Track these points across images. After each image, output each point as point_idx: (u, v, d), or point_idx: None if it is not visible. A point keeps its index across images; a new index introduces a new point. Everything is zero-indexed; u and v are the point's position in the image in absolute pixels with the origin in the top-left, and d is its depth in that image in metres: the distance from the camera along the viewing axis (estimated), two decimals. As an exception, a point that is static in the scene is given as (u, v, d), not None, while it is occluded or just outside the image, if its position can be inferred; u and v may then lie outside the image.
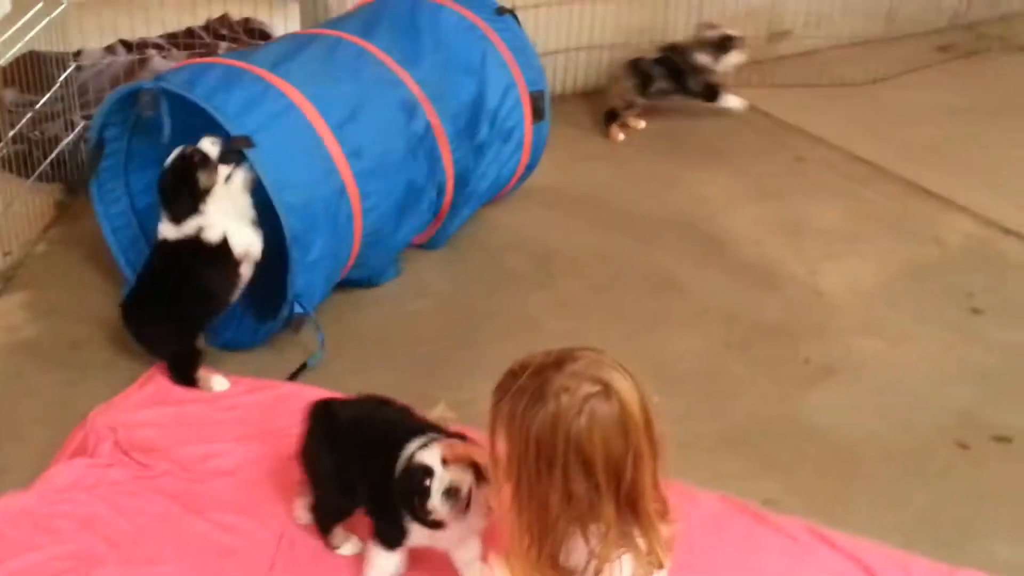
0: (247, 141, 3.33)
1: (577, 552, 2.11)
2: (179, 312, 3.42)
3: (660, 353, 3.68)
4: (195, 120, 3.44)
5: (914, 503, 3.07)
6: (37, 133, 4.47)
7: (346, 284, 3.91)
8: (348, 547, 2.79)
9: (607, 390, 2.04)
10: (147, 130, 3.71)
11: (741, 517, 2.95)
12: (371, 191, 3.64)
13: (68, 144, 4.45)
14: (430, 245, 4.22)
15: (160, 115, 3.50)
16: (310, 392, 3.39)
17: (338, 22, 4.30)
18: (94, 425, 3.18)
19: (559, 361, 2.08)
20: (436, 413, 3.22)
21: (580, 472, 2.01)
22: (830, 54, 6.29)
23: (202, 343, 3.46)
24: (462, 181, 4.10)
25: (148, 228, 3.82)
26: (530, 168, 4.51)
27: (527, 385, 2.05)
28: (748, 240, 4.42)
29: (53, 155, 4.36)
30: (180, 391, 3.39)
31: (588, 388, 2.03)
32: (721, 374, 3.61)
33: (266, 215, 3.46)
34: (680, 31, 5.73)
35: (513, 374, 2.12)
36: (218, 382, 3.42)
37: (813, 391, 3.53)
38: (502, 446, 2.09)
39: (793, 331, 3.84)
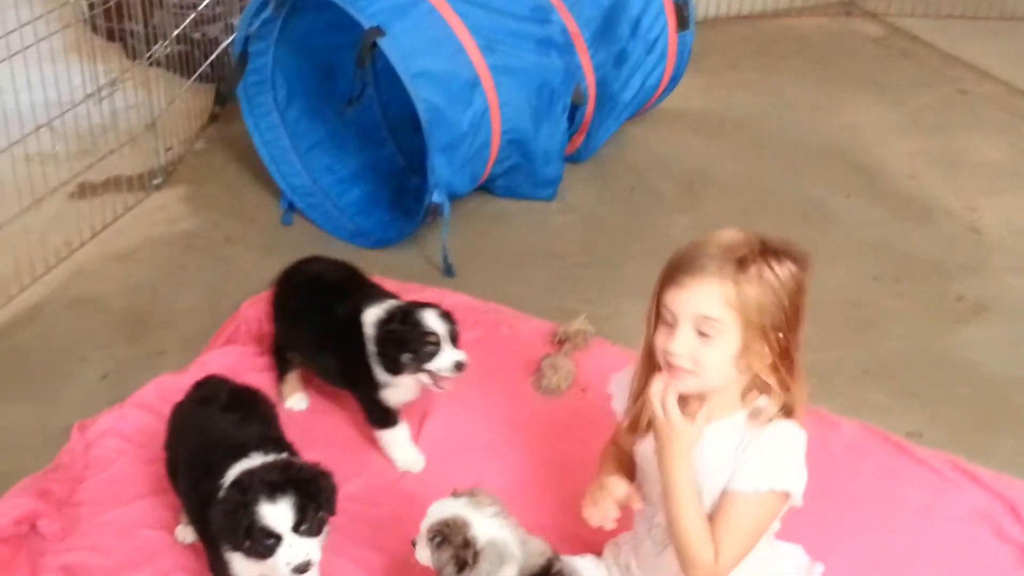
0: (377, 31, 3.35)
1: None
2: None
3: (806, 281, 3.61)
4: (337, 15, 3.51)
5: (1067, 447, 2.97)
6: (198, 34, 4.58)
7: (496, 193, 4.01)
8: None
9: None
10: (292, 41, 3.80)
11: (883, 447, 2.90)
12: (503, 85, 3.64)
13: (226, 46, 4.55)
14: (575, 157, 4.20)
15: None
16: (450, 296, 3.45)
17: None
18: (246, 316, 3.29)
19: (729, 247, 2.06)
20: (576, 326, 3.25)
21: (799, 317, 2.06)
22: (1001, -15, 6.00)
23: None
24: (603, 88, 4.06)
25: (296, 139, 3.96)
26: (675, 79, 4.43)
27: (760, 251, 2.03)
28: (903, 173, 4.28)
29: (213, 56, 4.48)
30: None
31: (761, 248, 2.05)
32: (868, 306, 3.53)
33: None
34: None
35: (729, 246, 2.05)
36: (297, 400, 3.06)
37: (965, 328, 3.43)
38: (723, 319, 2.01)
39: (947, 267, 3.72)
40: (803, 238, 3.76)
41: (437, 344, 2.69)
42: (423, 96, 3.41)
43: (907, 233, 3.91)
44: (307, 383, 3.06)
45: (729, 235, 2.08)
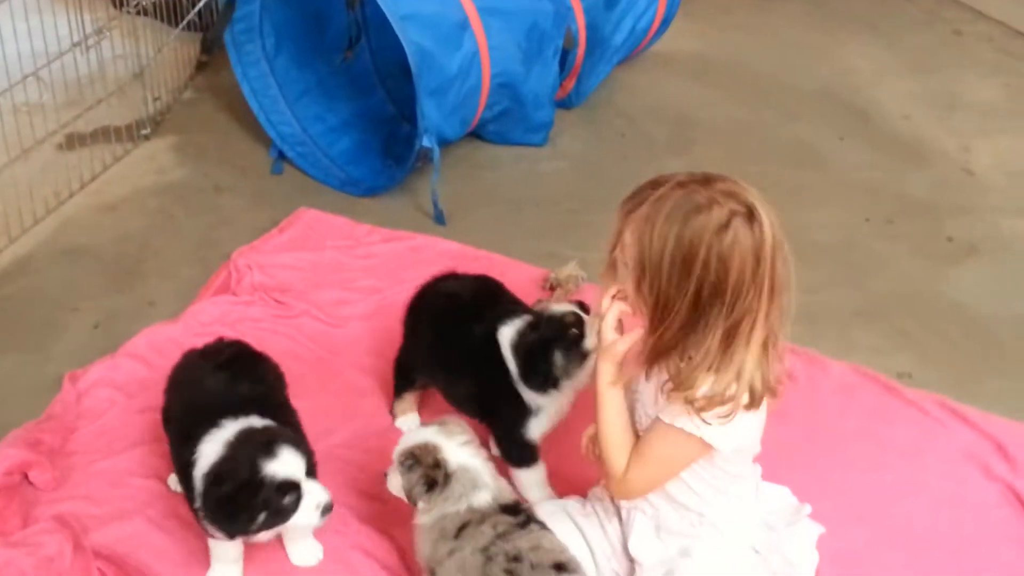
0: None
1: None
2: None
3: (797, 224, 3.48)
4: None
5: (1054, 385, 2.99)
6: (185, -18, 4.53)
7: (487, 139, 3.99)
8: None
9: (751, 214, 1.96)
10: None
11: (872, 388, 2.91)
12: (492, 27, 3.60)
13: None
14: (566, 102, 4.18)
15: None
16: (442, 244, 3.46)
17: None
18: (237, 265, 3.29)
19: (706, 179, 2.01)
20: (567, 272, 3.25)
21: (711, 288, 1.95)
22: (998, -77, 5.92)
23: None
24: (594, 31, 4.02)
25: (286, 88, 3.93)
26: (666, 22, 4.39)
27: (670, 194, 1.97)
28: (897, 114, 4.26)
29: (201, 4, 4.42)
30: (318, 237, 3.47)
31: (734, 207, 1.96)
32: (860, 247, 3.53)
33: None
34: None
35: (653, 184, 2.03)
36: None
37: (955, 269, 3.43)
38: (631, 247, 2.01)
39: (939, 208, 3.72)
40: (796, 180, 3.83)
41: (585, 335, 2.36)
42: (411, 39, 3.37)
43: (900, 174, 3.90)
44: (301, 335, 3.07)
45: (674, 176, 2.04)
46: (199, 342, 2.96)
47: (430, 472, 2.16)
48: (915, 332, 3.17)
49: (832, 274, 3.37)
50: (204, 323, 3.07)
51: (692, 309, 1.96)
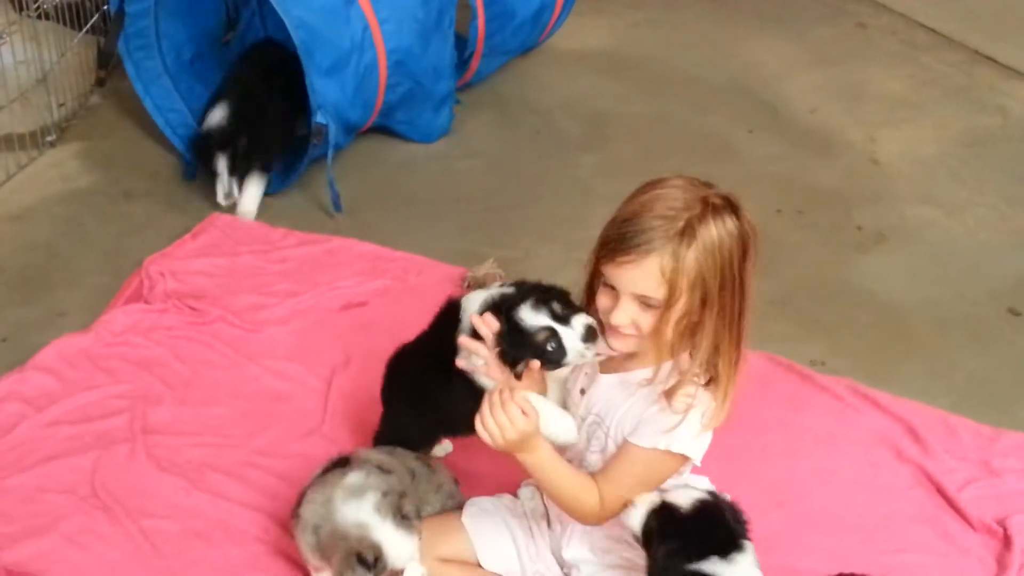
0: None
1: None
2: None
3: (710, 216, 3.65)
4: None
5: (963, 368, 3.07)
6: (88, -15, 4.44)
7: (396, 136, 3.97)
8: None
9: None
10: (174, 9, 3.73)
11: (787, 376, 2.96)
12: (384, 1, 3.57)
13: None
14: (475, 79, 4.19)
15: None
16: (358, 246, 3.43)
17: None
18: (149, 272, 3.23)
19: (702, 183, 2.10)
20: (484, 270, 3.25)
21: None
22: (898, -82, 6.06)
23: None
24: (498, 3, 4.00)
25: (191, 102, 3.87)
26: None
27: (701, 214, 2.01)
28: (804, 106, 4.33)
29: (104, 7, 4.33)
30: (232, 243, 3.42)
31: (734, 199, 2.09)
32: (772, 239, 3.48)
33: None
34: None
35: (669, 216, 2.00)
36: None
37: (865, 257, 3.51)
38: (695, 278, 1.99)
39: (847, 198, 3.79)
40: (707, 174, 3.76)
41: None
42: (294, 13, 3.32)
43: (808, 166, 3.97)
44: (217, 342, 3.03)
45: (664, 200, 2.02)
46: (111, 352, 2.95)
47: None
48: (827, 320, 3.23)
49: (746, 265, 3.41)
50: (116, 333, 3.01)
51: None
